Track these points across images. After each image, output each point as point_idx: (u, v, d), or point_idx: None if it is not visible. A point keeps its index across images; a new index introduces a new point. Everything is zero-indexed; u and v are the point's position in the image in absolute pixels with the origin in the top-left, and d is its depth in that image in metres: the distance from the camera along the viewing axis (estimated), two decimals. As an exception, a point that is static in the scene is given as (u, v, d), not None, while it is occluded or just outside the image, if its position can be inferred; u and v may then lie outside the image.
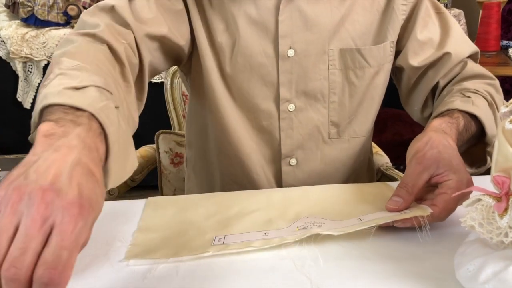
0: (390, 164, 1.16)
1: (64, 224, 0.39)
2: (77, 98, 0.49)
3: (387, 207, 0.60)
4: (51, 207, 0.39)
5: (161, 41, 0.74)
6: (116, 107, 0.53)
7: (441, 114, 0.72)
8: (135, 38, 0.70)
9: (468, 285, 0.46)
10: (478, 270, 0.45)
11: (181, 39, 0.77)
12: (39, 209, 0.38)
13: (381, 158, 1.17)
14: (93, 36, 0.64)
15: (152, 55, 0.74)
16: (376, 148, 1.22)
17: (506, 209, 0.43)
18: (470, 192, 0.55)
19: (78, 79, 0.52)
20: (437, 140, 0.62)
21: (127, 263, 0.54)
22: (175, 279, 0.51)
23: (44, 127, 0.45)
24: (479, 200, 0.46)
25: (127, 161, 0.54)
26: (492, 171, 0.46)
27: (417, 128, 2.31)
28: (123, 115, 0.56)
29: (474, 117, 0.72)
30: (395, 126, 2.15)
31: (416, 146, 0.63)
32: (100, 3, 0.70)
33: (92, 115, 0.48)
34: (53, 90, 0.50)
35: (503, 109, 0.45)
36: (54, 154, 0.42)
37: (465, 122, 0.70)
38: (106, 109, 0.50)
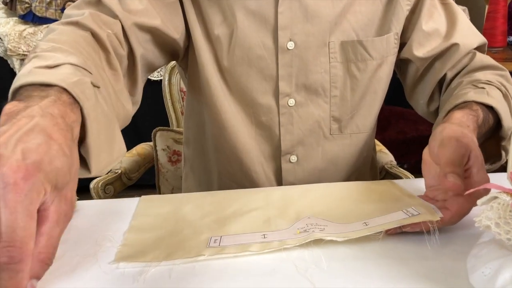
0: (394, 162, 1.12)
1: (7, 193, 0.35)
2: (47, 75, 0.46)
3: (447, 183, 0.51)
4: None
5: (153, 33, 0.71)
6: (96, 86, 0.49)
7: (457, 106, 0.67)
8: (123, 28, 0.66)
9: (483, 290, 0.43)
10: (494, 274, 0.41)
11: (175, 32, 0.74)
12: None
13: (385, 156, 1.14)
14: (76, 24, 0.60)
15: (143, 47, 0.70)
16: (380, 146, 1.19)
17: (525, 208, 0.40)
18: (486, 191, 0.51)
19: (52, 59, 0.48)
20: (465, 133, 0.57)
21: (117, 266, 0.51)
22: (168, 283, 0.48)
23: (6, 107, 0.42)
24: (495, 198, 0.43)
25: (113, 144, 0.50)
26: (509, 167, 0.43)
27: (421, 126, 2.29)
28: (106, 98, 0.53)
29: (489, 109, 0.68)
30: (399, 124, 2.12)
31: (451, 130, 0.56)
32: None
33: (64, 89, 0.45)
34: (24, 72, 0.46)
35: (522, 99, 0.42)
36: (10, 127, 0.39)
37: (484, 115, 0.66)
38: (81, 84, 0.47)
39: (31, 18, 2.18)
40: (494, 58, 0.82)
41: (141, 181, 1.20)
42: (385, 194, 0.65)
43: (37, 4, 2.15)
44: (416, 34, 0.79)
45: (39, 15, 2.16)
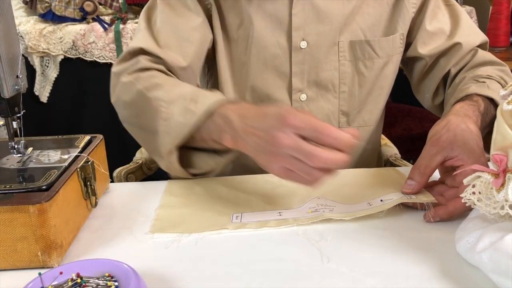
0: (398, 155, 1.17)
1: None
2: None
3: (402, 191, 0.62)
4: None
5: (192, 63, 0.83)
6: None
7: (460, 99, 0.74)
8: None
9: (466, 256, 0.50)
10: (476, 242, 0.48)
11: (206, 50, 0.84)
12: None
13: (390, 149, 1.19)
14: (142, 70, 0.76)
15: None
16: (385, 140, 1.24)
17: (503, 185, 0.46)
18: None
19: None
20: (455, 124, 0.63)
21: (151, 236, 0.58)
22: (195, 249, 0.55)
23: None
24: (479, 177, 0.49)
25: None
26: (491, 150, 0.50)
27: (427, 123, 2.32)
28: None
29: (490, 101, 0.74)
30: (405, 121, 2.17)
31: (434, 129, 0.65)
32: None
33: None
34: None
35: (502, 92, 0.48)
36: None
37: (485, 105, 0.72)
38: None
39: (50, 17, 2.26)
40: (497, 57, 0.88)
41: (160, 171, 1.27)
42: (387, 178, 0.72)
43: (56, 3, 2.23)
44: (420, 34, 0.85)
45: (59, 14, 2.24)
